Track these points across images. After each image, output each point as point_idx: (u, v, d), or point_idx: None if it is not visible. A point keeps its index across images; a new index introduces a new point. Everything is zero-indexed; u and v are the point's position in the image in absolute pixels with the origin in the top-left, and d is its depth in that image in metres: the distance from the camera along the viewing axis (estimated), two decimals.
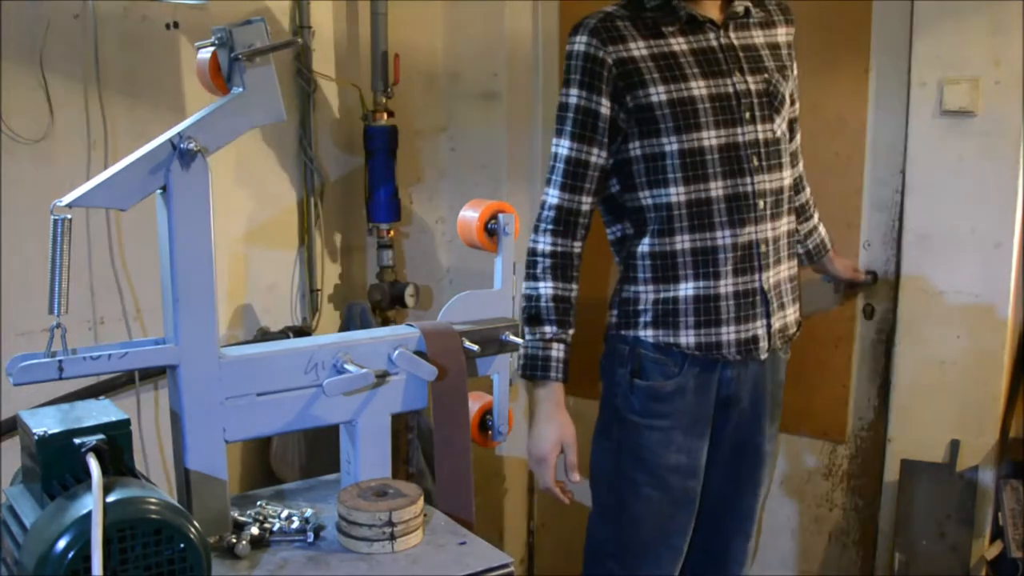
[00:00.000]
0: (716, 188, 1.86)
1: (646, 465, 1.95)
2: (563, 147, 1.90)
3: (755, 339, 1.92)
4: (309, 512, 1.49)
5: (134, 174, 1.32)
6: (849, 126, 2.44)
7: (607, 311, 2.02)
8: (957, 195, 2.29)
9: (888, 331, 2.46)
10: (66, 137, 2.23)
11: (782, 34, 2.00)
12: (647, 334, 1.91)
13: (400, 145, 2.87)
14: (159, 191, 1.36)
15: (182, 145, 1.33)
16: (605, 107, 1.86)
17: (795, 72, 2.04)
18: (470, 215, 1.69)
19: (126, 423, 1.27)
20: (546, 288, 1.90)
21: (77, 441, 1.20)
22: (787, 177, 1.96)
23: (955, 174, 2.28)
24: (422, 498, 1.46)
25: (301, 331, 2.76)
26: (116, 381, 2.33)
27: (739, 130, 1.87)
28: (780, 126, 1.93)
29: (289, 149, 2.76)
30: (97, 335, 2.31)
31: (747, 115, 1.87)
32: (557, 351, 1.90)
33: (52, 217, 1.26)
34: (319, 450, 2.62)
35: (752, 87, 1.89)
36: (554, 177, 1.91)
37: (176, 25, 2.41)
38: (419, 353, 1.56)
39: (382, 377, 1.54)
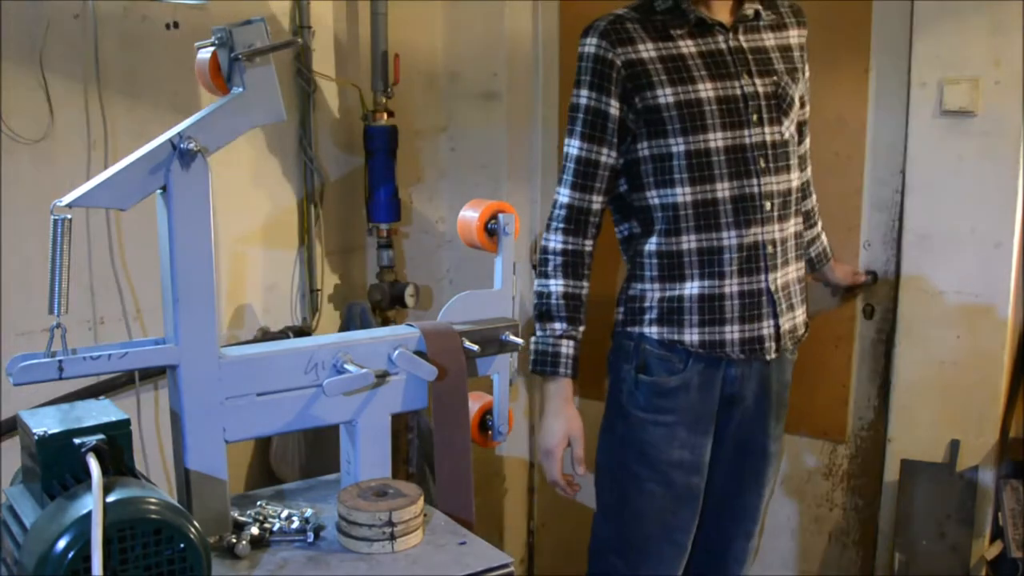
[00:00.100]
0: (722, 189, 1.87)
1: (649, 461, 1.96)
2: (574, 147, 1.93)
3: (760, 339, 1.92)
4: (309, 512, 1.49)
5: (134, 174, 1.32)
6: (849, 126, 2.44)
7: (614, 308, 2.04)
8: (957, 195, 2.29)
9: (888, 331, 2.46)
10: (66, 137, 2.23)
11: (794, 36, 2.01)
12: (652, 331, 1.93)
13: (400, 145, 2.87)
14: (159, 191, 1.36)
15: (182, 145, 1.34)
16: (614, 108, 1.88)
17: (807, 74, 2.05)
18: (470, 215, 1.69)
19: (126, 423, 1.27)
20: (557, 285, 1.94)
21: (77, 441, 1.20)
22: (795, 179, 1.97)
23: (955, 174, 2.28)
24: (422, 498, 1.46)
25: (301, 331, 2.76)
26: (116, 381, 2.32)
27: (746, 132, 1.88)
28: (788, 128, 1.94)
29: (289, 149, 2.76)
30: (97, 335, 2.31)
31: (754, 117, 1.89)
32: (567, 347, 1.93)
33: (52, 217, 1.26)
34: (319, 450, 2.62)
35: (760, 89, 1.90)
36: (565, 176, 1.95)
37: (176, 25, 2.41)
38: (419, 353, 1.56)
39: (382, 377, 1.54)
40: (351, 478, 1.56)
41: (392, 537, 1.40)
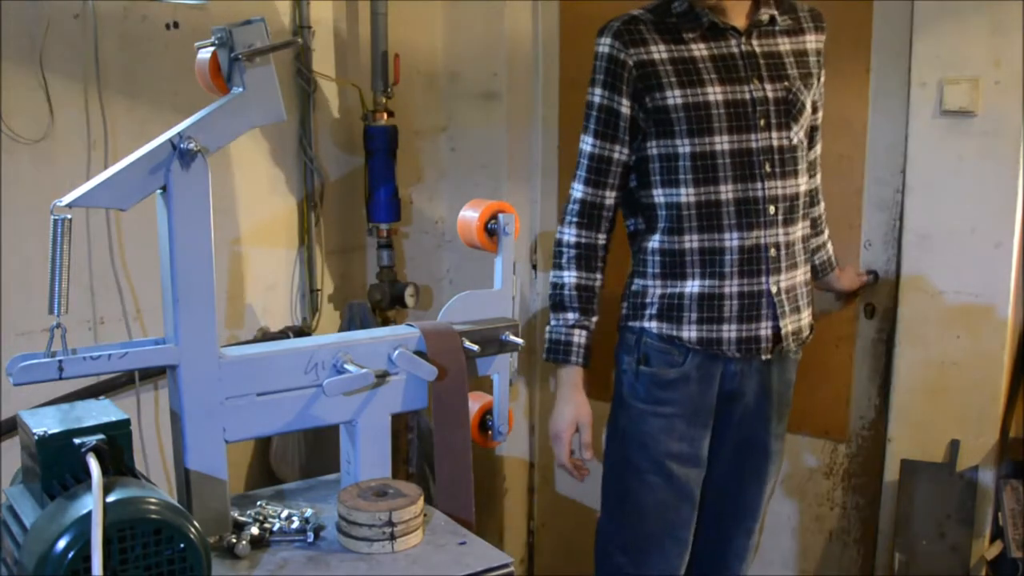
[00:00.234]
0: (726, 191, 1.90)
1: (649, 452, 1.99)
2: (587, 143, 1.98)
3: (757, 339, 1.94)
4: (309, 512, 1.49)
5: (134, 174, 1.32)
6: (850, 126, 2.44)
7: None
8: (957, 195, 2.29)
9: (889, 330, 2.46)
10: (66, 137, 2.23)
11: (811, 41, 2.02)
12: (652, 325, 1.97)
13: (400, 145, 2.87)
14: (159, 191, 1.36)
15: (182, 145, 1.34)
16: (625, 107, 1.93)
17: (822, 79, 2.07)
18: (470, 215, 1.69)
19: (126, 423, 1.27)
20: (570, 277, 1.99)
21: (77, 441, 1.20)
22: (803, 184, 1.99)
23: (955, 174, 2.28)
24: (422, 498, 1.46)
25: (301, 331, 2.76)
26: (116, 381, 2.33)
27: (752, 136, 1.90)
28: (797, 134, 1.96)
29: (289, 149, 2.76)
30: (97, 335, 2.31)
31: (762, 122, 1.91)
32: (579, 337, 1.99)
33: (52, 217, 1.26)
34: (319, 450, 2.63)
35: (770, 94, 1.92)
36: (579, 172, 2.00)
37: (176, 25, 2.41)
38: (419, 353, 1.56)
39: (382, 377, 1.54)
40: (351, 478, 1.56)
41: (392, 537, 1.40)
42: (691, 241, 1.92)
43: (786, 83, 1.94)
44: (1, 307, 2.14)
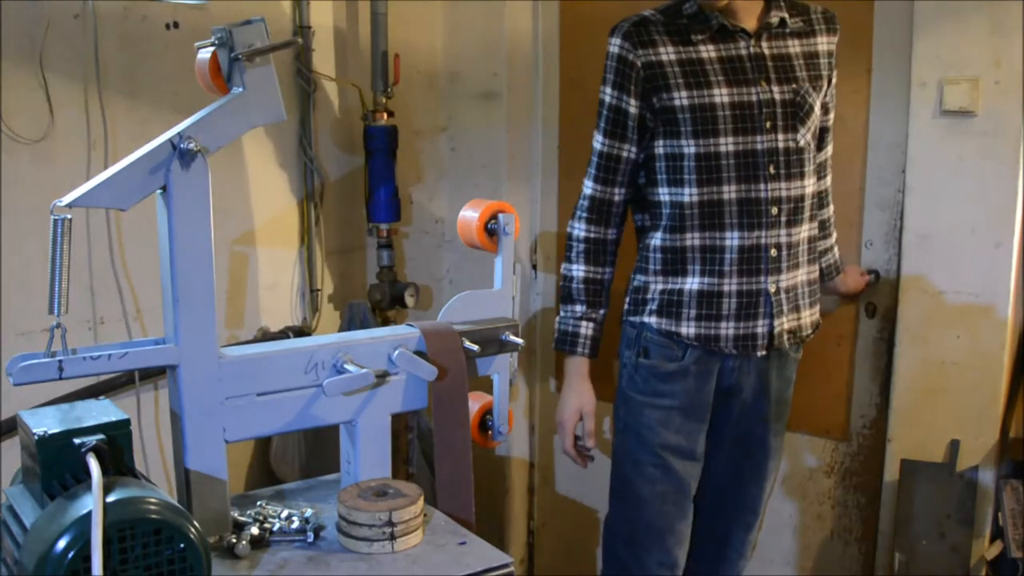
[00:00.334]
0: (729, 192, 1.92)
1: (647, 444, 2.02)
2: (598, 142, 2.03)
3: (754, 337, 1.97)
4: (309, 512, 1.49)
5: (134, 174, 1.32)
6: (851, 126, 2.44)
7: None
8: (957, 195, 2.29)
9: (890, 329, 2.46)
10: (66, 137, 2.23)
11: (823, 43, 2.03)
12: (652, 320, 2.00)
13: (400, 145, 2.87)
14: (159, 191, 1.36)
15: (182, 145, 1.34)
16: (634, 107, 1.96)
17: (834, 80, 2.08)
18: (470, 215, 1.69)
19: (126, 423, 1.27)
20: (579, 271, 2.05)
21: (77, 441, 1.20)
22: (809, 185, 2.00)
23: (955, 174, 2.28)
24: (422, 498, 1.46)
25: (301, 331, 2.76)
26: (116, 381, 2.33)
27: (758, 138, 1.92)
28: (804, 136, 1.97)
29: (289, 149, 2.76)
30: (97, 335, 2.31)
31: (768, 124, 1.92)
32: (586, 328, 2.05)
33: (52, 217, 1.26)
34: (319, 450, 2.63)
35: (777, 97, 1.93)
36: (590, 169, 2.05)
37: (176, 25, 2.41)
38: (419, 353, 1.56)
39: (382, 377, 1.54)
40: (351, 478, 1.56)
41: (392, 537, 1.40)
42: (692, 239, 1.95)
43: (794, 85, 1.95)
44: (1, 307, 2.14)
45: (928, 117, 2.30)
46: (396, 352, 1.53)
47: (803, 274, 2.03)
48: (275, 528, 1.45)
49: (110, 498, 1.11)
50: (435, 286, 3.09)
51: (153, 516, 1.13)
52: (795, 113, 1.95)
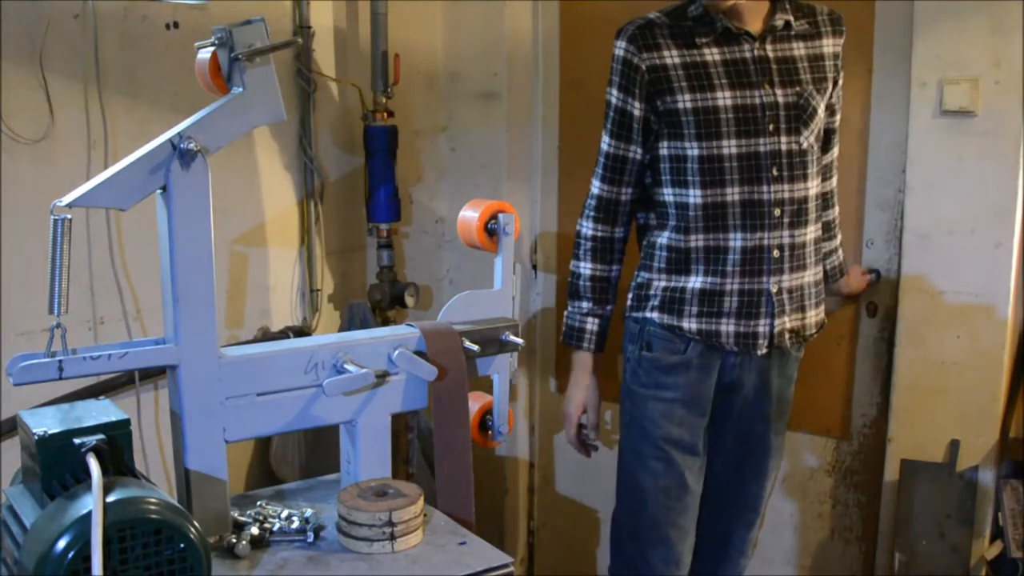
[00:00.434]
0: (732, 194, 1.93)
1: (650, 437, 2.03)
2: (604, 143, 2.05)
3: (755, 335, 1.98)
4: (309, 512, 1.49)
5: (134, 174, 1.32)
6: (851, 126, 2.44)
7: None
8: (957, 195, 2.29)
9: (890, 329, 2.46)
10: (66, 137, 2.23)
11: (828, 45, 2.04)
12: (654, 315, 2.02)
13: (400, 145, 2.87)
14: (159, 191, 1.36)
15: (182, 145, 1.34)
16: (638, 109, 1.98)
17: (840, 82, 2.08)
18: (470, 215, 1.69)
19: (126, 423, 1.27)
20: (586, 268, 2.09)
21: (77, 441, 1.20)
22: (813, 187, 2.01)
23: (955, 174, 2.28)
24: (422, 498, 1.46)
25: (301, 331, 2.76)
26: (116, 381, 2.33)
27: (761, 140, 1.93)
28: (808, 138, 1.98)
29: (289, 149, 2.76)
30: (97, 335, 2.31)
31: (771, 127, 1.93)
32: (592, 324, 2.10)
33: (52, 217, 1.26)
34: (319, 450, 2.63)
35: (780, 99, 1.94)
36: (597, 169, 2.08)
37: (176, 25, 2.41)
38: (419, 353, 1.56)
39: (382, 377, 1.54)
40: (351, 478, 1.56)
41: (392, 537, 1.40)
42: (696, 240, 1.97)
43: (798, 88, 1.96)
44: (1, 307, 2.14)
45: (928, 117, 2.30)
46: (396, 352, 1.53)
47: (809, 275, 2.04)
48: (275, 528, 1.45)
49: (110, 498, 1.11)
50: (435, 286, 3.09)
51: (153, 516, 1.13)
52: (798, 116, 1.96)
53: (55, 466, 1.20)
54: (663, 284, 2.01)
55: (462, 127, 3.01)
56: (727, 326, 1.96)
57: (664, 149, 1.98)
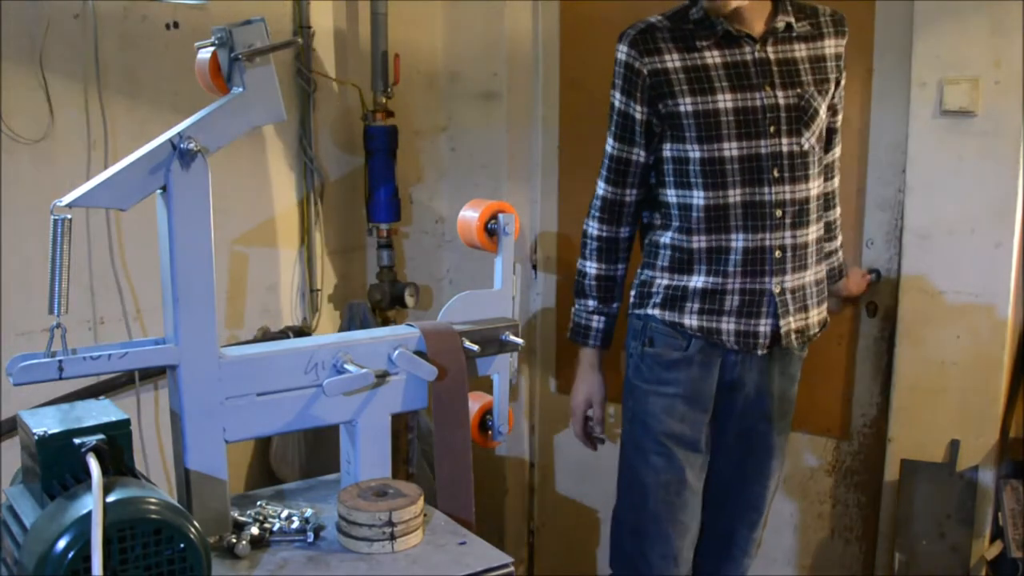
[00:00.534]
0: (734, 195, 1.95)
1: (651, 432, 2.05)
2: (609, 145, 2.07)
3: (755, 335, 1.99)
4: (309, 512, 1.49)
5: (134, 174, 1.32)
6: (852, 126, 2.44)
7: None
8: (957, 195, 2.29)
9: (890, 329, 2.46)
10: (66, 137, 2.23)
11: (830, 46, 2.04)
12: (656, 312, 2.04)
13: (400, 145, 2.87)
14: (159, 191, 1.36)
15: (182, 145, 1.34)
16: (640, 112, 1.99)
17: (843, 83, 2.09)
18: (470, 215, 1.69)
19: (126, 423, 1.27)
20: (592, 267, 2.13)
21: (77, 441, 1.20)
22: (814, 188, 2.02)
23: (955, 174, 2.29)
24: (422, 498, 1.46)
25: (301, 331, 2.76)
26: (116, 381, 2.33)
27: (762, 142, 1.94)
28: (809, 140, 1.99)
29: (289, 149, 2.76)
30: (97, 335, 2.31)
31: (772, 128, 1.94)
32: (597, 322, 2.14)
33: (52, 217, 1.26)
34: (319, 450, 2.63)
35: (781, 101, 1.95)
36: (602, 171, 2.10)
37: (176, 25, 2.41)
38: (419, 353, 1.56)
39: (382, 377, 1.54)
40: (351, 478, 1.56)
41: (392, 537, 1.40)
42: (699, 241, 1.98)
43: (799, 90, 1.97)
44: (1, 307, 2.14)
45: (928, 117, 2.30)
46: (396, 352, 1.53)
47: (811, 275, 2.05)
48: (275, 528, 1.45)
49: (110, 498, 1.11)
50: (435, 286, 3.09)
51: (153, 516, 1.13)
52: (799, 117, 1.96)
53: (55, 466, 1.20)
54: (665, 282, 2.03)
55: (462, 127, 3.01)
56: (727, 324, 1.97)
57: (667, 151, 2.00)
